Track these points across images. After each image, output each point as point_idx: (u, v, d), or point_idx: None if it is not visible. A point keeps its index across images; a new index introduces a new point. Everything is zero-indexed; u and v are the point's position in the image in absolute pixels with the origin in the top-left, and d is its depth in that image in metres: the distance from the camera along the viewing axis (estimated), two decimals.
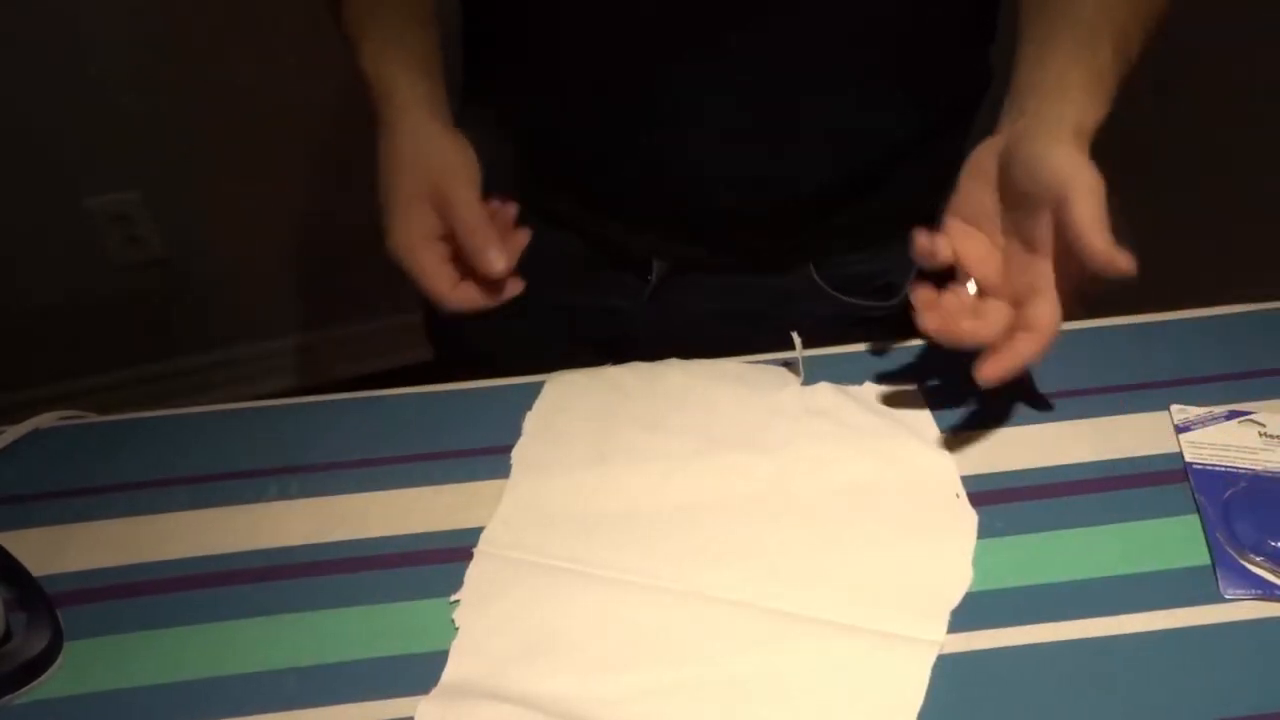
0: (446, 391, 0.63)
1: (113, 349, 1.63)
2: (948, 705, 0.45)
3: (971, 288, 0.56)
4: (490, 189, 0.61)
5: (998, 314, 0.55)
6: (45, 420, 0.61)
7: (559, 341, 0.76)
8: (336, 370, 1.74)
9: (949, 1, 0.64)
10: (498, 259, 0.58)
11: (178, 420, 0.62)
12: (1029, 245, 0.54)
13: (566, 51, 0.65)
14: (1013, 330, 0.53)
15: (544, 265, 0.61)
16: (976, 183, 0.57)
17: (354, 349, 1.74)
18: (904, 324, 0.63)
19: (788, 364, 0.63)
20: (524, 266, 0.60)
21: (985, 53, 0.69)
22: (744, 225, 0.70)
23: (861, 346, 0.65)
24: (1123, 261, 0.49)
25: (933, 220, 0.58)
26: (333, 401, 0.63)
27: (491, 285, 0.60)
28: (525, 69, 0.68)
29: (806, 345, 0.62)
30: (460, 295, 0.60)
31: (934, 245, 0.55)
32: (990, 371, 0.52)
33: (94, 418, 0.63)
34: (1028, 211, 0.54)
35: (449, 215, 0.59)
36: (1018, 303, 0.54)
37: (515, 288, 0.60)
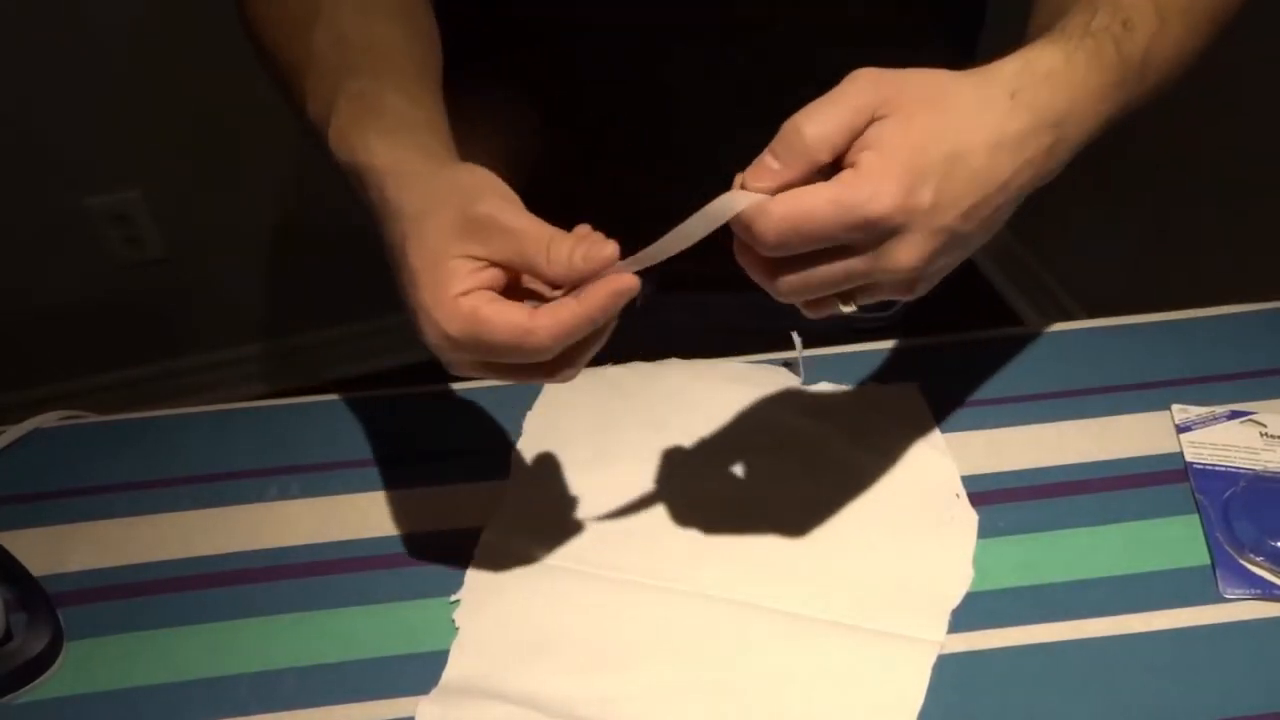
0: (446, 391, 0.63)
1: (113, 349, 1.63)
2: (948, 705, 0.45)
3: None
4: None
5: None
6: (45, 420, 0.61)
7: None
8: (336, 370, 1.74)
9: (939, 12, 0.64)
10: (598, 240, 0.42)
11: (178, 420, 0.62)
12: None
13: (551, 60, 0.65)
14: None
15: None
16: None
17: (354, 349, 1.74)
18: (899, 334, 0.63)
19: (788, 364, 0.63)
20: None
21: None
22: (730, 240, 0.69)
23: (861, 346, 0.65)
24: None
25: None
26: (333, 401, 0.63)
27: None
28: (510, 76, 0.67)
29: (805, 347, 0.62)
30: (553, 317, 0.41)
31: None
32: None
33: (94, 418, 0.63)
34: None
35: (496, 235, 0.43)
36: None
37: (627, 282, 0.42)
